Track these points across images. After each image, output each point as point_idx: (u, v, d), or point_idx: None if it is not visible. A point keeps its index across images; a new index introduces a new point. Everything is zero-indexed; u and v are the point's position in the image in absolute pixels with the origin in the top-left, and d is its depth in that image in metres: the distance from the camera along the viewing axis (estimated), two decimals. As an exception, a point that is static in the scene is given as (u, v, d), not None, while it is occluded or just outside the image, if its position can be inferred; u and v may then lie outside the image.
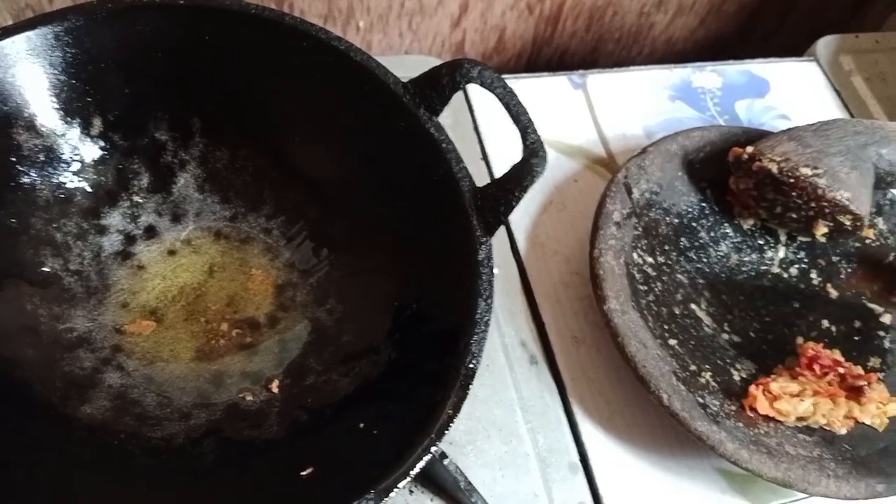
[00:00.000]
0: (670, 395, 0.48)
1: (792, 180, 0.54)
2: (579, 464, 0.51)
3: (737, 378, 0.52)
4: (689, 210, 0.59)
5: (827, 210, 0.55)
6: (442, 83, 0.45)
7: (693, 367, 0.51)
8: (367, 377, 0.46)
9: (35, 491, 0.39)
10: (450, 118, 0.63)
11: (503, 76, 0.44)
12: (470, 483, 0.45)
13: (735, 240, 0.60)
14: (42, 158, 0.46)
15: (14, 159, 0.45)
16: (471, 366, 0.40)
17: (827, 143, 0.55)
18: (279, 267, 0.51)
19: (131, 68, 0.47)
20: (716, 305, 0.56)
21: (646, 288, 0.54)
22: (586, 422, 0.52)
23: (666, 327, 0.53)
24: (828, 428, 0.49)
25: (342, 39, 0.46)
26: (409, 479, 0.37)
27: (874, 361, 0.55)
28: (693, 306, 0.55)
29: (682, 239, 0.58)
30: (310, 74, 0.47)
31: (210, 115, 0.50)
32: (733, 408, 0.50)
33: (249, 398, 0.47)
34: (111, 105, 0.48)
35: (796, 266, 0.60)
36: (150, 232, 0.50)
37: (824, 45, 0.79)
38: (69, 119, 0.47)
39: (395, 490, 0.36)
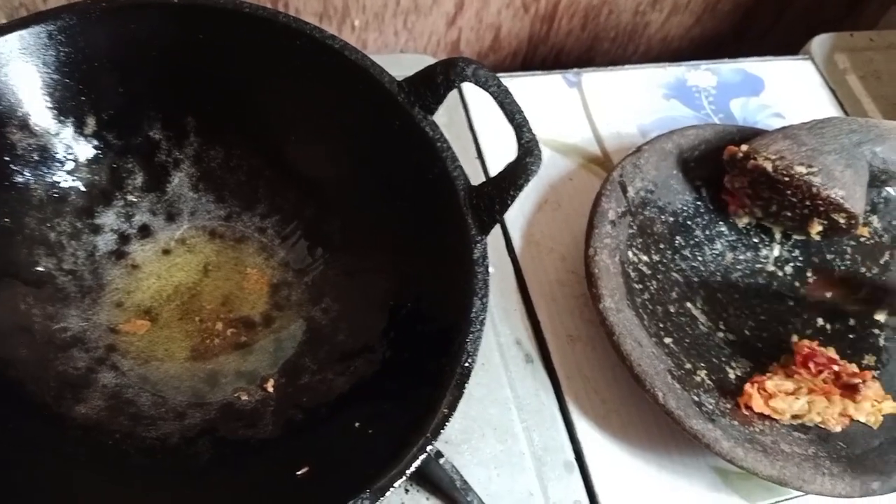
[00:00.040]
0: (665, 394, 0.48)
1: (787, 178, 0.54)
2: (575, 462, 0.51)
3: (732, 376, 0.52)
4: (684, 208, 0.59)
5: (822, 208, 0.55)
6: (436, 82, 0.45)
7: (688, 366, 0.51)
8: (362, 376, 0.46)
9: (35, 490, 0.39)
10: (445, 117, 0.63)
11: (498, 75, 0.44)
12: (466, 482, 0.45)
13: (730, 238, 0.60)
14: (36, 157, 0.46)
15: (8, 158, 0.45)
16: (466, 365, 0.40)
17: (822, 141, 0.55)
18: (274, 266, 0.51)
19: (125, 67, 0.47)
20: (711, 304, 0.56)
21: (641, 286, 0.54)
22: (582, 420, 0.52)
23: (661, 326, 0.53)
24: (823, 426, 0.49)
25: (337, 38, 0.46)
26: (404, 478, 0.37)
27: (869, 359, 0.55)
28: (688, 304, 0.55)
29: (678, 237, 0.58)
30: (304, 73, 0.47)
31: (204, 115, 0.50)
32: (728, 406, 0.50)
33: (244, 397, 0.46)
34: (105, 104, 0.48)
35: (791, 264, 0.60)
36: (145, 231, 0.50)
37: (819, 43, 0.79)
38: (63, 118, 0.47)
39: (391, 489, 0.36)
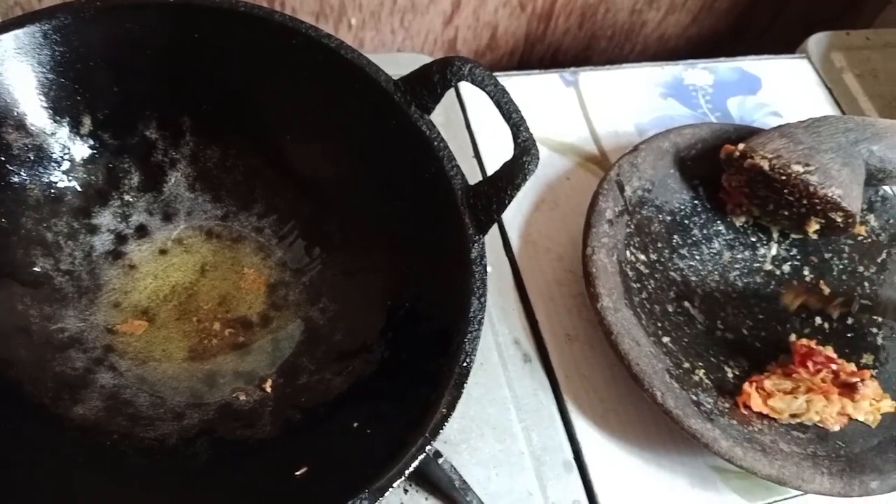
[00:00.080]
0: (664, 393, 0.48)
1: (783, 177, 0.54)
2: (573, 462, 0.51)
3: (730, 375, 0.52)
4: (682, 207, 0.59)
5: (819, 207, 0.55)
6: (433, 81, 0.44)
7: (686, 365, 0.51)
8: (360, 376, 0.46)
9: (35, 491, 0.39)
10: (441, 116, 0.63)
11: (495, 74, 0.44)
12: (465, 482, 0.45)
13: (727, 237, 0.60)
14: (32, 157, 0.46)
15: (3, 159, 0.45)
16: (464, 364, 0.40)
17: (818, 139, 0.55)
18: (271, 266, 0.51)
19: (120, 66, 0.46)
20: (709, 303, 0.56)
21: (639, 285, 0.54)
22: (580, 419, 0.52)
23: (659, 325, 0.53)
24: (821, 425, 0.49)
25: (333, 37, 0.46)
26: (403, 478, 0.37)
27: (867, 358, 0.55)
28: (686, 304, 0.55)
29: (675, 236, 0.58)
30: (301, 73, 0.47)
31: (200, 114, 0.50)
32: (727, 405, 0.50)
33: (242, 398, 0.46)
34: (100, 103, 0.47)
35: (789, 263, 0.60)
36: (142, 231, 0.50)
37: (816, 42, 0.79)
38: (58, 118, 0.46)
39: (390, 489, 0.36)
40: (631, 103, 0.69)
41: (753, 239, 0.60)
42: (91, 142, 0.48)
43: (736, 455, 0.46)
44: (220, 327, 0.49)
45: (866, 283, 0.60)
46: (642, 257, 0.55)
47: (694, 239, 0.59)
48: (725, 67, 0.74)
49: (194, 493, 0.42)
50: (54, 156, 0.47)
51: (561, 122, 0.66)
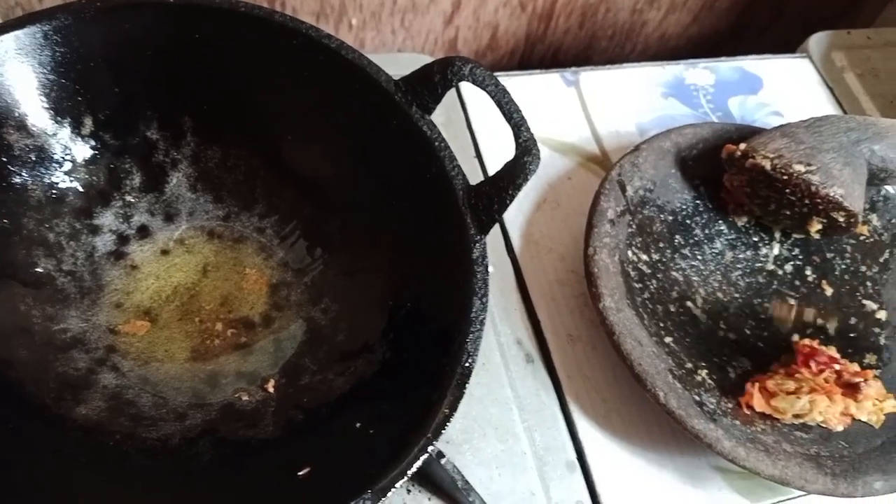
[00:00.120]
0: (666, 393, 0.48)
1: (785, 177, 0.54)
2: (576, 462, 0.50)
3: (733, 375, 0.52)
4: (683, 207, 0.59)
5: (821, 207, 0.55)
6: (434, 81, 0.44)
7: (689, 365, 0.51)
8: (362, 376, 0.46)
9: (35, 491, 0.39)
10: (442, 116, 0.63)
11: (496, 74, 0.44)
12: (467, 482, 0.45)
13: (729, 237, 0.60)
14: (33, 158, 0.46)
15: (5, 159, 0.45)
16: (466, 365, 0.40)
17: (820, 139, 0.55)
18: (273, 266, 0.51)
19: (121, 67, 0.46)
20: (711, 303, 0.56)
21: (641, 285, 0.54)
22: (583, 420, 0.52)
23: (661, 325, 0.53)
24: (824, 425, 0.49)
25: (333, 37, 0.46)
26: (406, 478, 0.37)
27: (870, 358, 0.55)
28: (688, 304, 0.55)
29: (677, 236, 0.58)
30: (301, 73, 0.47)
31: (201, 114, 0.50)
32: (730, 405, 0.50)
33: (245, 398, 0.46)
34: (101, 104, 0.47)
35: (791, 263, 0.60)
36: (143, 232, 0.50)
37: (816, 41, 0.79)
38: (60, 118, 0.46)
39: (393, 490, 0.36)
40: (632, 103, 0.69)
41: (755, 239, 0.60)
42: (92, 142, 0.48)
43: (739, 455, 0.46)
44: (222, 328, 0.48)
45: (868, 283, 0.60)
46: (644, 257, 0.55)
47: (696, 239, 0.59)
48: (726, 67, 0.74)
49: (196, 494, 0.42)
50: (56, 156, 0.47)
51: (562, 121, 0.66)
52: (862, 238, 0.61)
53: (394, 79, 0.46)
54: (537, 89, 0.68)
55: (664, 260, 0.56)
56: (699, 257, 0.58)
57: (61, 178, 0.47)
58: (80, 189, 0.48)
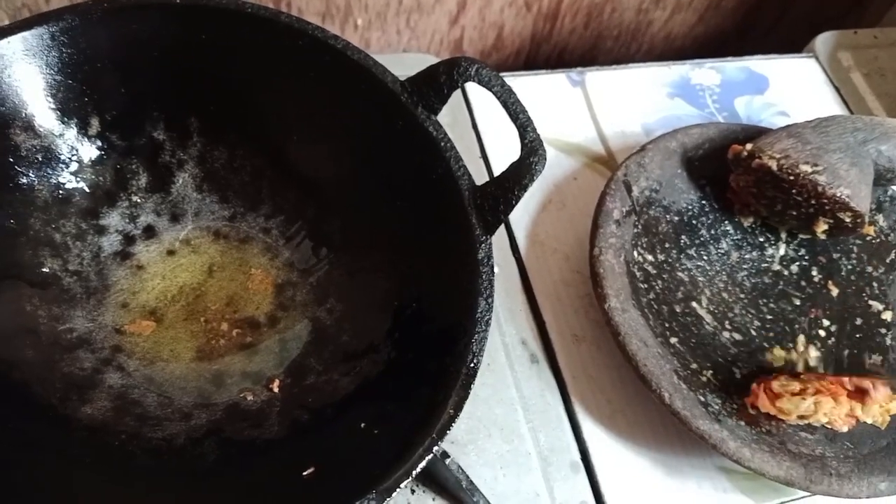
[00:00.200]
0: (672, 394, 0.47)
1: (792, 177, 0.54)
2: (581, 462, 0.50)
3: (738, 376, 0.52)
4: (689, 208, 0.59)
5: (827, 207, 0.54)
6: (440, 81, 0.44)
7: (694, 366, 0.51)
8: (367, 376, 0.46)
9: (35, 491, 0.39)
10: (448, 116, 0.63)
11: (501, 74, 0.44)
12: (472, 482, 0.45)
13: (735, 237, 0.60)
14: (40, 159, 0.46)
15: (12, 160, 0.45)
16: (472, 365, 0.40)
17: (826, 139, 0.55)
18: (279, 266, 0.51)
19: (128, 68, 0.47)
20: (716, 303, 0.56)
21: (646, 286, 0.54)
22: (587, 420, 0.52)
23: (667, 325, 0.53)
24: (829, 426, 0.49)
25: (339, 38, 0.46)
26: (410, 478, 0.37)
27: (875, 359, 0.55)
28: (694, 304, 0.55)
29: (683, 237, 0.58)
30: (307, 73, 0.47)
31: (207, 115, 0.50)
32: (735, 406, 0.50)
33: (250, 398, 0.46)
34: (108, 105, 0.47)
35: (797, 263, 0.60)
36: (149, 232, 0.50)
37: (823, 41, 0.79)
38: (66, 119, 0.47)
39: (397, 490, 0.36)
40: (638, 103, 0.69)
41: (761, 239, 0.60)
42: (99, 143, 0.48)
43: (744, 456, 0.46)
44: (227, 328, 0.49)
45: (875, 284, 0.59)
46: (650, 258, 0.55)
47: (702, 239, 0.58)
48: (732, 67, 0.74)
49: (201, 494, 0.42)
50: (62, 157, 0.47)
51: (568, 122, 0.66)
52: (868, 238, 0.61)
53: (399, 79, 0.46)
54: (543, 89, 0.68)
55: (670, 260, 0.56)
56: (705, 258, 0.58)
57: (68, 179, 0.48)
58: (87, 189, 0.48)
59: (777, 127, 0.59)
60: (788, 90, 0.74)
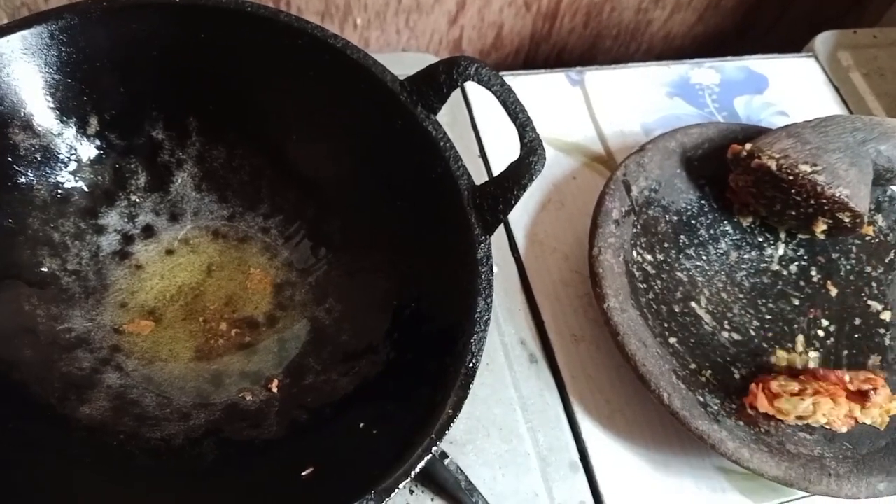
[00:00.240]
0: (670, 394, 0.47)
1: (791, 177, 0.54)
2: (579, 462, 0.50)
3: (737, 376, 0.52)
4: (689, 207, 0.59)
5: (826, 207, 0.54)
6: (439, 81, 0.44)
7: (693, 366, 0.51)
8: (366, 377, 0.46)
9: (35, 491, 0.39)
10: (447, 116, 0.63)
11: (501, 73, 0.44)
12: (471, 482, 0.45)
13: (734, 237, 0.60)
14: (39, 158, 0.46)
15: (11, 159, 0.45)
16: (471, 365, 0.40)
17: (826, 139, 0.55)
18: (278, 266, 0.51)
19: (127, 67, 0.46)
20: (715, 303, 0.56)
21: (645, 286, 0.54)
22: (586, 420, 0.52)
23: (666, 325, 0.53)
24: (828, 427, 0.49)
25: (339, 37, 0.46)
26: (409, 478, 0.37)
27: (874, 359, 0.55)
28: (693, 304, 0.55)
29: (682, 236, 0.58)
30: (306, 73, 0.47)
31: (206, 114, 0.50)
32: (734, 406, 0.50)
33: (249, 398, 0.46)
34: (107, 104, 0.47)
35: (796, 263, 0.60)
36: (148, 231, 0.50)
37: (822, 40, 0.79)
38: (65, 118, 0.46)
39: (396, 490, 0.36)
40: (637, 103, 0.69)
41: (760, 239, 0.60)
42: (98, 142, 0.48)
43: (742, 456, 0.46)
44: (226, 327, 0.49)
45: (874, 284, 0.59)
46: (649, 257, 0.55)
47: (701, 239, 0.58)
48: (732, 66, 0.74)
49: (200, 494, 0.42)
50: (61, 156, 0.47)
51: (567, 121, 0.66)
52: (867, 238, 0.61)
53: (399, 78, 0.46)
54: (542, 89, 0.68)
55: (669, 260, 0.56)
56: (704, 258, 0.58)
57: (67, 178, 0.48)
58: (86, 189, 0.48)
59: (776, 127, 0.59)
60: (788, 90, 0.74)
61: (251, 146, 0.51)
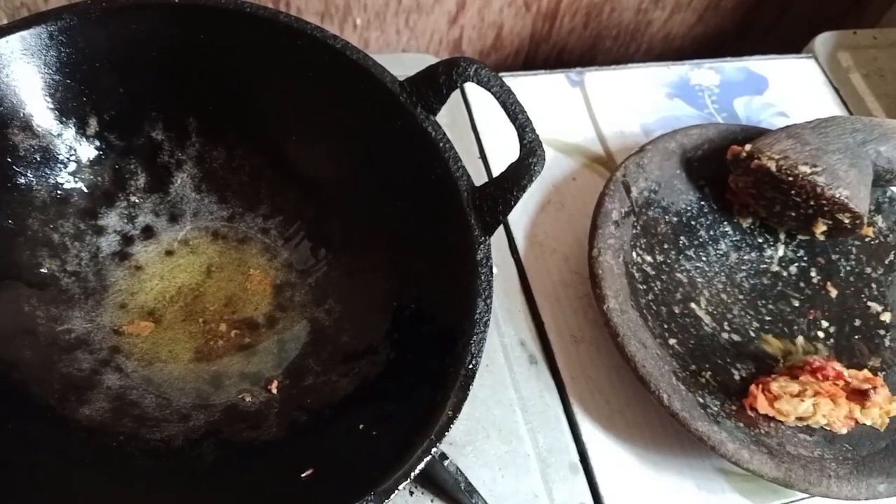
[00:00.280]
0: (670, 395, 0.47)
1: (791, 178, 0.54)
2: (579, 464, 0.50)
3: (737, 377, 0.52)
4: (688, 208, 0.59)
5: (826, 208, 0.54)
6: (439, 82, 0.44)
7: (693, 367, 0.51)
8: (366, 377, 0.46)
9: (35, 491, 0.39)
10: (447, 117, 0.63)
11: (501, 74, 0.44)
12: (470, 484, 0.45)
13: (734, 238, 0.60)
14: (38, 159, 0.46)
15: (10, 160, 0.45)
16: (471, 366, 0.40)
17: (825, 140, 0.55)
18: (277, 267, 0.51)
19: (126, 68, 0.46)
20: (715, 304, 0.56)
21: (645, 287, 0.53)
22: (586, 421, 0.52)
23: (665, 326, 0.53)
24: (828, 428, 0.49)
25: (338, 38, 0.46)
26: (409, 480, 0.37)
27: (874, 360, 0.55)
28: (693, 305, 0.55)
29: (682, 238, 0.58)
30: (306, 73, 0.47)
31: (206, 115, 0.50)
32: (734, 407, 0.50)
33: (248, 399, 0.46)
34: (107, 105, 0.47)
35: (796, 264, 0.60)
36: (148, 232, 0.50)
37: (822, 41, 0.79)
38: (65, 119, 0.46)
39: (396, 491, 0.36)
40: (637, 103, 0.69)
41: (760, 240, 0.60)
42: (97, 143, 0.48)
43: (742, 458, 0.46)
44: (226, 328, 0.49)
45: (873, 285, 0.59)
46: (649, 258, 0.55)
47: (700, 240, 0.58)
48: (732, 67, 0.74)
49: (200, 495, 0.42)
50: (60, 157, 0.47)
51: (567, 122, 0.66)
52: (867, 240, 0.61)
53: (398, 79, 0.46)
54: (542, 90, 0.68)
55: (668, 261, 0.56)
56: (704, 259, 0.58)
57: (66, 179, 0.48)
58: (85, 190, 0.48)
59: (776, 128, 0.59)
60: (788, 91, 0.74)
61: (251, 147, 0.51)
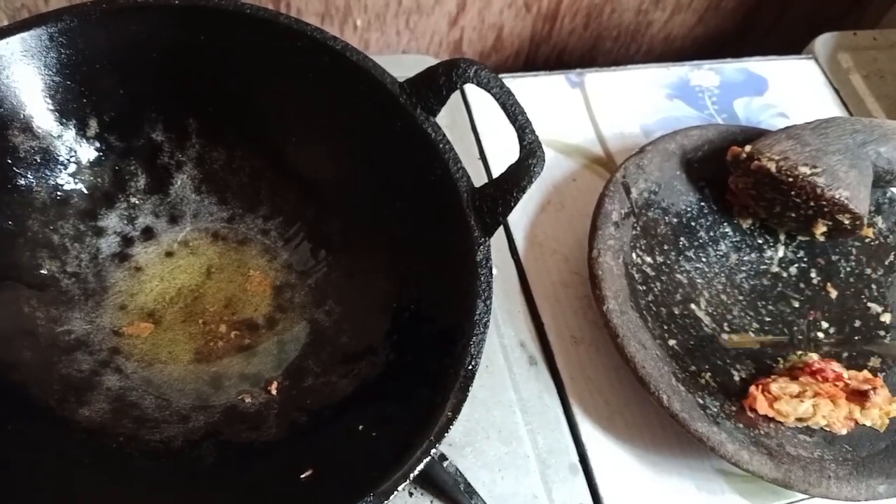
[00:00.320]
0: (670, 396, 0.47)
1: (791, 179, 0.54)
2: (579, 465, 0.50)
3: (737, 378, 0.52)
4: (688, 209, 0.59)
5: (826, 209, 0.54)
6: (439, 83, 0.44)
7: (693, 368, 0.51)
8: (365, 378, 0.46)
9: (35, 491, 0.39)
10: (447, 118, 0.63)
11: (501, 75, 0.44)
12: (470, 485, 0.45)
13: (734, 239, 0.60)
14: (38, 160, 0.46)
15: (10, 161, 0.45)
16: (470, 367, 0.40)
17: (825, 141, 0.55)
18: (277, 268, 0.51)
19: (126, 69, 0.46)
20: (715, 305, 0.56)
21: (645, 288, 0.53)
22: (586, 422, 0.52)
23: (665, 327, 0.53)
24: (828, 429, 0.49)
25: (338, 39, 0.46)
26: (408, 481, 0.37)
27: (874, 361, 0.55)
28: (692, 306, 0.55)
29: (681, 238, 0.58)
30: (306, 74, 0.47)
31: (206, 116, 0.50)
32: (733, 408, 0.50)
33: (248, 400, 0.46)
34: (107, 106, 0.47)
35: (796, 265, 0.60)
36: (148, 233, 0.50)
37: (822, 42, 0.79)
38: (65, 120, 0.46)
39: (395, 492, 0.36)
40: (637, 105, 0.69)
41: (760, 241, 0.60)
42: (97, 144, 0.48)
43: (742, 458, 0.46)
44: (225, 329, 0.49)
45: (873, 286, 0.59)
46: (648, 259, 0.55)
47: (700, 241, 0.58)
48: (732, 68, 0.74)
49: (200, 495, 0.42)
50: (61, 158, 0.47)
51: (566, 123, 0.66)
52: (867, 240, 0.61)
53: (398, 80, 0.46)
54: (542, 91, 0.68)
55: (668, 262, 0.56)
56: (703, 260, 0.58)
57: (66, 180, 0.48)
58: (85, 191, 0.48)
59: (776, 128, 0.59)
60: (788, 92, 0.74)
61: (251, 148, 0.51)
